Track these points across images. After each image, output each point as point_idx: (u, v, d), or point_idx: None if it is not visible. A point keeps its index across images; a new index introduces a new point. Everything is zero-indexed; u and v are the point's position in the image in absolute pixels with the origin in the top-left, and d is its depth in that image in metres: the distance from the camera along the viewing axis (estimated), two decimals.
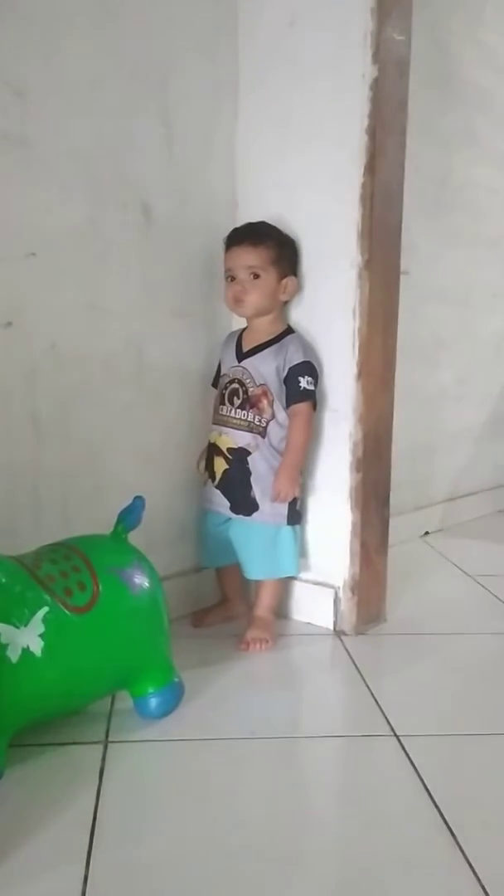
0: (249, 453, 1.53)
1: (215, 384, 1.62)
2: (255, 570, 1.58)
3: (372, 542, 1.63)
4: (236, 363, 1.56)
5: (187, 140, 1.56)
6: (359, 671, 1.43)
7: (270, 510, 1.54)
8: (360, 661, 1.47)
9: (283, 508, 1.54)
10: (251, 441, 1.53)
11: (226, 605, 1.66)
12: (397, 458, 1.69)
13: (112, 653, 1.16)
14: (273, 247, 1.51)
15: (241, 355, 1.56)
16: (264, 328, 1.56)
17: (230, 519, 1.57)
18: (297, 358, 1.52)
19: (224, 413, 1.56)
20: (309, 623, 1.64)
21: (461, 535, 2.40)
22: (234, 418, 1.55)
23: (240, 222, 1.58)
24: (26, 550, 1.18)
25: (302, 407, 1.52)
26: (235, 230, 1.55)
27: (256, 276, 1.50)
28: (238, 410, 1.54)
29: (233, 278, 1.52)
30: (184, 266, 1.59)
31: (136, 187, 1.48)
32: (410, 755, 1.16)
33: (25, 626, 1.05)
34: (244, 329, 1.60)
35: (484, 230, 2.48)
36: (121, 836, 0.98)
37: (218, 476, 1.57)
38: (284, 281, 1.53)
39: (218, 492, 1.57)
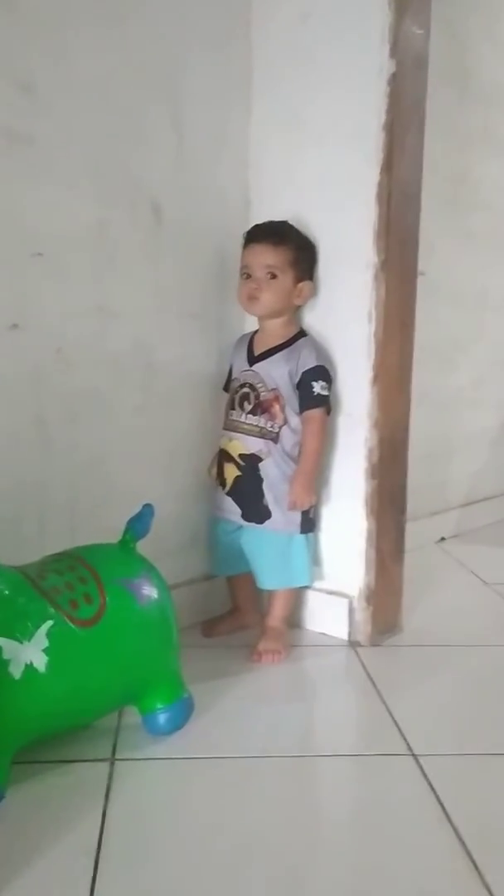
0: (261, 459, 1.49)
1: (226, 388, 1.58)
2: (267, 579, 1.54)
3: (387, 549, 1.59)
4: (247, 367, 1.52)
5: (198, 138, 1.52)
6: (374, 685, 1.39)
7: (283, 518, 1.50)
8: (375, 674, 1.43)
9: (297, 516, 1.50)
10: (263, 447, 1.49)
11: (237, 615, 1.62)
12: (412, 462, 1.64)
13: (119, 667, 1.12)
14: (293, 248, 1.48)
15: (253, 359, 1.52)
16: (276, 331, 1.52)
17: (242, 527, 1.53)
18: (310, 362, 1.48)
19: (235, 418, 1.52)
20: (323, 633, 1.60)
21: (478, 541, 2.35)
22: (246, 423, 1.51)
23: (252, 223, 1.54)
24: (31, 560, 1.15)
25: (316, 413, 1.48)
26: (258, 227, 1.51)
27: (273, 276, 1.46)
28: (249, 416, 1.50)
29: (248, 275, 1.48)
30: (195, 267, 1.55)
31: (145, 186, 1.44)
32: (428, 776, 1.11)
33: (29, 640, 1.02)
34: (255, 332, 1.56)
35: (501, 230, 2.42)
36: (126, 861, 0.94)
37: (229, 483, 1.53)
38: (301, 285, 1.49)
39: (229, 499, 1.53)
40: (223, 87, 1.56)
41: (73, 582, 1.10)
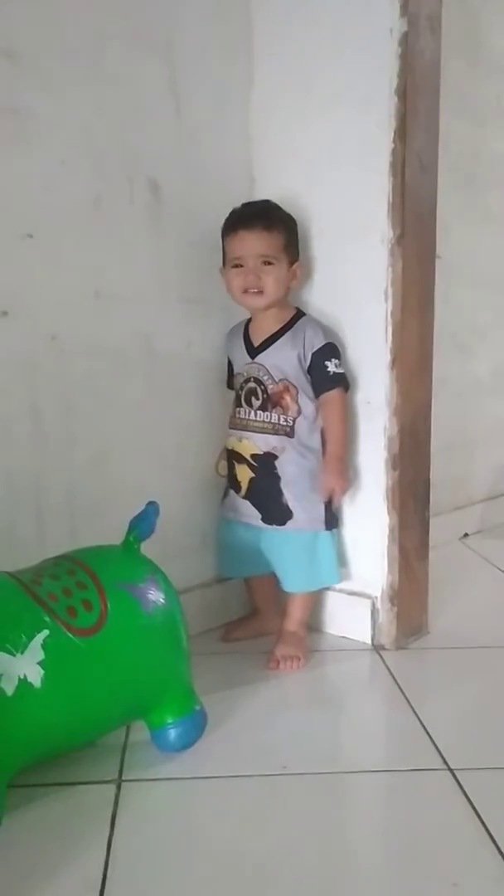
0: (276, 457, 1.40)
1: (230, 385, 1.49)
2: (294, 582, 1.44)
3: (412, 546, 1.48)
4: (249, 360, 1.43)
5: (198, 107, 1.43)
6: (402, 691, 1.29)
7: (306, 516, 1.40)
8: (402, 680, 1.33)
9: (321, 512, 1.41)
10: (277, 444, 1.40)
11: (257, 619, 1.52)
12: (432, 455, 1.54)
13: (124, 680, 1.02)
14: (283, 231, 1.38)
15: (254, 351, 1.43)
16: (273, 317, 1.42)
17: (262, 529, 1.44)
18: (318, 342, 1.39)
19: (243, 416, 1.43)
20: (344, 637, 1.50)
21: (502, 536, 2.25)
22: (256, 421, 1.41)
23: (257, 197, 1.45)
24: (27, 565, 1.06)
25: (335, 393, 1.39)
26: (241, 212, 1.40)
27: (269, 264, 1.36)
28: (259, 412, 1.41)
29: (239, 266, 1.37)
30: (197, 247, 1.45)
31: (142, 161, 1.36)
32: (468, 792, 1.01)
33: (22, 653, 0.92)
34: (248, 321, 1.46)
35: None
36: (134, 894, 0.84)
37: (244, 486, 1.44)
38: (294, 267, 1.40)
39: (246, 502, 1.44)
40: (223, 53, 1.47)
41: (71, 587, 1.01)
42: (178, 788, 1.04)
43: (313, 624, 1.52)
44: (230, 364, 1.49)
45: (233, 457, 1.45)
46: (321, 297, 1.48)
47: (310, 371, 1.39)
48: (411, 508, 1.48)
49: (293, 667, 1.37)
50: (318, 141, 1.43)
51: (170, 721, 1.09)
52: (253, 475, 1.42)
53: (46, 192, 1.23)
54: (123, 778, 1.05)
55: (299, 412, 1.39)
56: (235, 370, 1.47)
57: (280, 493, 1.40)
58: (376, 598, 1.47)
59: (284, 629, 1.44)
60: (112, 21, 1.29)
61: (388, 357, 1.41)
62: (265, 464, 1.41)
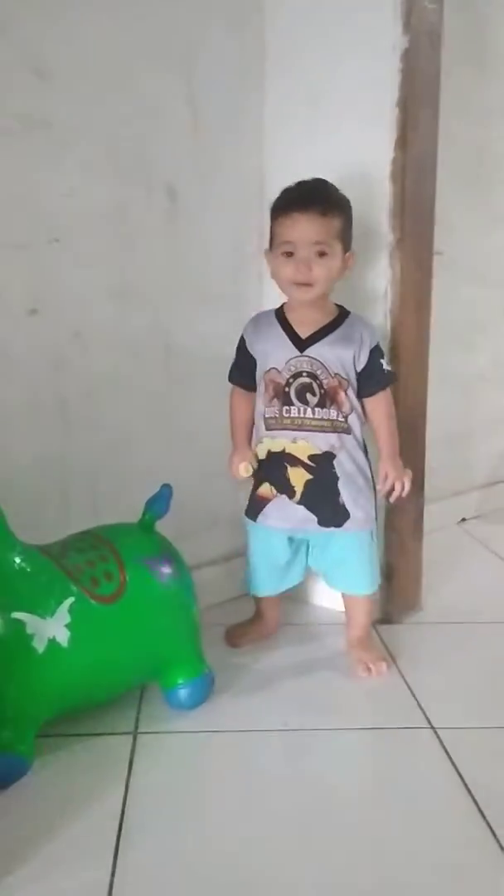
0: (335, 456, 1.33)
1: (242, 380, 1.41)
2: (359, 584, 1.41)
3: (406, 528, 1.59)
4: (297, 353, 1.32)
5: (213, 119, 1.52)
6: (395, 661, 1.40)
7: (363, 515, 1.36)
8: (395, 651, 1.44)
9: (372, 511, 1.38)
10: (336, 442, 1.33)
11: (261, 623, 1.48)
12: (433, 443, 1.63)
13: (140, 643, 1.14)
14: (340, 215, 1.28)
15: (301, 343, 1.33)
16: (321, 308, 1.34)
17: (307, 536, 1.39)
18: (372, 340, 1.34)
19: (296, 415, 1.33)
20: (343, 612, 1.60)
21: (500, 521, 2.34)
22: (314, 419, 1.32)
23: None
24: (55, 539, 1.17)
25: (388, 390, 1.37)
26: (297, 191, 1.30)
27: (322, 254, 1.27)
28: (317, 409, 1.32)
29: (290, 254, 1.28)
30: (211, 249, 1.56)
31: (161, 169, 1.45)
32: (448, 748, 1.12)
33: (51, 616, 1.04)
34: (280, 311, 1.37)
35: None
36: (149, 826, 0.96)
37: (299, 490, 1.34)
38: (346, 255, 1.31)
39: (301, 507, 1.35)
40: (238, 68, 1.55)
41: (95, 560, 1.13)
42: (188, 740, 1.16)
43: (312, 598, 1.63)
44: (248, 356, 1.38)
45: (283, 459, 1.35)
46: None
47: (365, 368, 1.33)
48: (407, 495, 1.57)
49: (383, 669, 1.35)
50: (325, 149, 1.50)
51: (181, 682, 1.21)
52: (310, 477, 1.34)
53: (70, 199, 1.33)
54: (139, 730, 1.17)
55: (352, 408, 1.34)
56: (269, 365, 1.34)
57: (337, 493, 1.34)
58: None
59: (359, 636, 1.41)
60: (134, 39, 1.38)
61: (387, 354, 1.51)
62: (324, 464, 1.33)
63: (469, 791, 1.03)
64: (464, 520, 2.34)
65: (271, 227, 1.32)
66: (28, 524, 1.17)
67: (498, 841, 0.93)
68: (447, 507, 2.23)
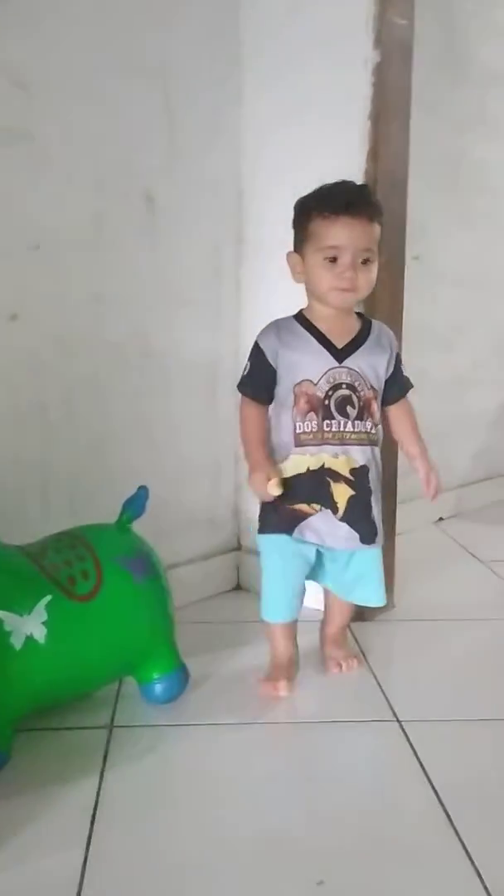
0: (370, 469, 1.29)
1: (258, 394, 1.29)
2: (378, 597, 1.38)
3: None
4: (336, 364, 1.25)
5: (191, 130, 1.56)
6: (365, 657, 1.44)
7: (384, 528, 1.35)
8: (366, 647, 1.48)
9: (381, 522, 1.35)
10: (371, 455, 1.29)
11: (294, 663, 1.38)
12: None
13: (116, 640, 1.18)
14: (380, 223, 1.24)
15: (339, 354, 1.27)
16: (351, 316, 1.31)
17: (331, 552, 1.33)
18: (396, 347, 1.34)
19: (338, 429, 1.26)
20: (315, 609, 1.64)
21: (475, 520, 2.40)
22: (355, 433, 1.27)
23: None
24: (35, 539, 1.21)
25: (409, 396, 1.37)
26: (345, 195, 1.22)
27: (367, 261, 1.22)
28: (357, 422, 1.27)
29: (334, 259, 1.22)
30: (188, 256, 1.59)
31: (139, 177, 1.49)
32: (411, 740, 1.17)
33: (29, 613, 1.08)
34: (304, 319, 1.29)
35: (499, 211, 2.44)
36: (122, 817, 1.00)
37: (342, 507, 1.28)
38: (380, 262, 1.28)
39: (345, 525, 1.28)
40: (214, 77, 1.59)
41: (72, 559, 1.16)
42: (162, 733, 1.19)
43: None
44: (268, 368, 1.27)
45: (326, 475, 1.27)
46: (300, 302, 1.61)
47: (391, 375, 1.32)
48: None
49: (354, 666, 1.39)
50: (299, 159, 1.55)
51: (156, 676, 1.25)
52: (353, 493, 1.27)
53: (51, 207, 1.36)
54: (115, 724, 1.21)
55: (379, 419, 1.31)
56: (302, 377, 1.25)
57: (370, 507, 1.30)
58: None
59: (334, 633, 1.43)
60: (111, 50, 1.41)
61: None
62: (362, 478, 1.28)
63: (429, 780, 1.07)
64: (441, 519, 2.39)
65: (305, 228, 1.24)
66: (8, 525, 1.22)
67: (454, 826, 0.98)
68: (424, 506, 2.26)
